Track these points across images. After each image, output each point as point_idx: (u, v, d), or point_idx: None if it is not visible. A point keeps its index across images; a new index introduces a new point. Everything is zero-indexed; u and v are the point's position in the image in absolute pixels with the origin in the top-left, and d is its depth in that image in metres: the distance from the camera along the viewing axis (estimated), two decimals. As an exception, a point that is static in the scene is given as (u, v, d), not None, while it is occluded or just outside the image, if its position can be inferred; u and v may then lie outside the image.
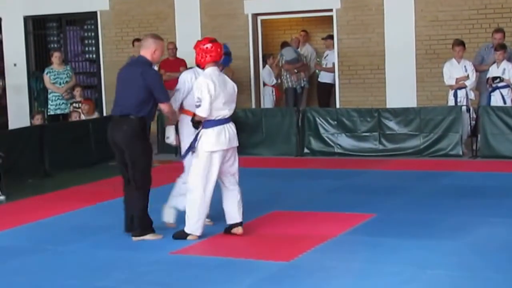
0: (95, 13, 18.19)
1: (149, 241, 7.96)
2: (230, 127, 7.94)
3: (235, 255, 7.40)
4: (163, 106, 8.15)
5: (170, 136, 8.60)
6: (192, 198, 7.82)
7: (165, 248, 7.69)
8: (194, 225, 7.86)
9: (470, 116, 13.21)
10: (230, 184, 8.05)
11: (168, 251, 7.57)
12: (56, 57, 15.36)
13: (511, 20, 15.01)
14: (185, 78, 8.41)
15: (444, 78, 13.58)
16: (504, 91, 13.33)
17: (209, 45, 7.99)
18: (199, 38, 16.68)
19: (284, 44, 17.34)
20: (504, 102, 13.29)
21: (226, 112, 7.90)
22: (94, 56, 18.65)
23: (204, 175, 7.78)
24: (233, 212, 8.02)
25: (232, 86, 8.11)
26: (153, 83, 7.95)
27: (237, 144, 8.08)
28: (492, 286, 6.25)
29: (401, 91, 15.67)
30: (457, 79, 13.48)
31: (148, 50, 8.08)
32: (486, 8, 15.23)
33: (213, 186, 7.86)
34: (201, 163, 7.81)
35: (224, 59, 8.41)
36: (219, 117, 7.85)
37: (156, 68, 8.14)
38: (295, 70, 16.63)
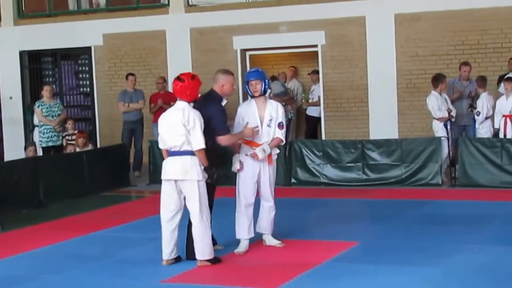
0: (89, 48, 18.54)
1: (142, 269, 8.14)
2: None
3: (223, 283, 7.57)
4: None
5: (235, 164, 8.87)
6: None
7: (157, 276, 7.84)
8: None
9: (449, 146, 13.52)
10: None
11: (159, 279, 7.72)
12: (47, 90, 15.50)
13: (487, 55, 15.49)
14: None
15: (433, 110, 13.64)
16: (477, 124, 13.77)
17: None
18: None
19: (272, 78, 17.67)
20: (474, 134, 13.76)
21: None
22: (88, 89, 18.94)
23: None
24: None
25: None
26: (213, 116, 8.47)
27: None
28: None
29: (383, 123, 16.02)
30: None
31: (216, 84, 8.60)
32: (463, 44, 15.68)
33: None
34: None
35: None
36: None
37: (224, 101, 8.56)
38: (283, 103, 16.95)
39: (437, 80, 13.77)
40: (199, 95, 8.47)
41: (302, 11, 16.72)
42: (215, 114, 8.40)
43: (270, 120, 8.76)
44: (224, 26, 17.34)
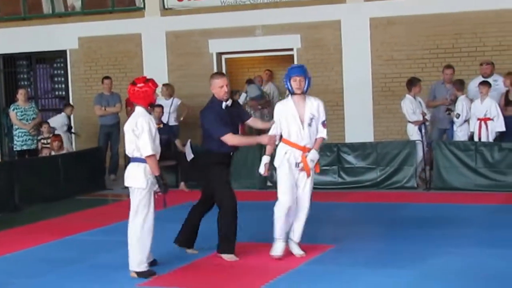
0: (64, 51, 18.55)
1: (117, 273, 8.09)
2: None
3: (199, 286, 7.58)
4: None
5: (261, 168, 8.68)
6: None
7: (133, 280, 7.83)
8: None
9: (424, 149, 13.62)
10: None
11: (135, 283, 7.71)
12: (21, 94, 15.47)
13: (461, 59, 15.65)
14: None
15: (408, 114, 13.75)
16: (455, 127, 13.87)
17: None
18: (166, 76, 17.38)
19: (249, 82, 17.76)
20: (452, 137, 13.87)
21: None
22: (63, 93, 18.93)
23: None
24: None
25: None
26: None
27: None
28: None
29: (359, 126, 16.12)
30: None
31: (211, 88, 8.68)
32: (437, 48, 15.85)
33: None
34: None
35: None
36: None
37: (225, 103, 8.61)
38: (259, 106, 17.03)
39: (411, 83, 13.86)
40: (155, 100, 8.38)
41: (278, 14, 16.79)
42: (204, 119, 8.54)
43: (311, 119, 8.40)
44: (200, 29, 17.37)
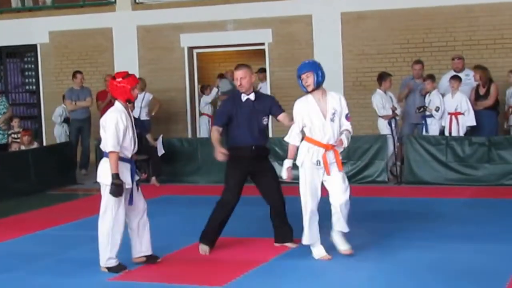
0: (35, 45, 18.45)
1: (88, 268, 8.05)
2: None
3: (171, 281, 7.53)
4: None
5: (283, 173, 8.31)
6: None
7: (103, 274, 7.79)
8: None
9: (394, 143, 13.71)
10: None
11: (106, 278, 7.68)
12: None
13: (432, 54, 15.73)
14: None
15: (378, 108, 13.86)
16: (429, 120, 13.91)
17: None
18: (137, 70, 17.31)
19: (221, 76, 17.76)
20: (427, 131, 13.90)
21: None
22: (34, 87, 18.86)
23: None
24: None
25: None
26: None
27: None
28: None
29: (330, 120, 16.16)
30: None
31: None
32: (408, 43, 15.92)
33: None
34: None
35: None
36: None
37: (246, 97, 8.57)
38: (231, 102, 16.97)
39: (382, 78, 13.96)
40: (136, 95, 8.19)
41: (249, 9, 16.79)
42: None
43: (334, 113, 8.05)
44: (171, 24, 17.33)
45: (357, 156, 13.72)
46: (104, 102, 15.82)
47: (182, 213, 11.33)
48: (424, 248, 8.52)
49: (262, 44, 16.97)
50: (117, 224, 7.85)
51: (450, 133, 13.58)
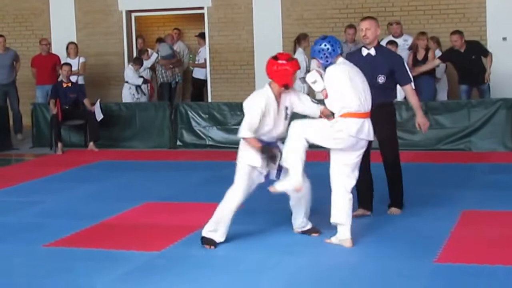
0: (-32, 8, 18.08)
1: (23, 234, 7.99)
2: None
3: (107, 246, 7.47)
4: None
5: None
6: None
7: (39, 240, 7.69)
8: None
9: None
10: None
11: (41, 244, 7.58)
12: None
13: (371, 19, 15.82)
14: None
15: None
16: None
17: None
18: (74, 34, 17.13)
19: (160, 40, 17.59)
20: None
21: None
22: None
23: None
24: None
25: None
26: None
27: None
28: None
29: (269, 85, 16.17)
30: None
31: None
32: (347, 8, 15.93)
33: None
34: None
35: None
36: None
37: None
38: (171, 66, 16.85)
39: (299, 40, 14.30)
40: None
41: (188, -28, 16.65)
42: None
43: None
44: (109, -14, 17.11)
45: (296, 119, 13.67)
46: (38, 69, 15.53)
47: (120, 178, 11.25)
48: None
49: (202, 8, 16.84)
50: None
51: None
